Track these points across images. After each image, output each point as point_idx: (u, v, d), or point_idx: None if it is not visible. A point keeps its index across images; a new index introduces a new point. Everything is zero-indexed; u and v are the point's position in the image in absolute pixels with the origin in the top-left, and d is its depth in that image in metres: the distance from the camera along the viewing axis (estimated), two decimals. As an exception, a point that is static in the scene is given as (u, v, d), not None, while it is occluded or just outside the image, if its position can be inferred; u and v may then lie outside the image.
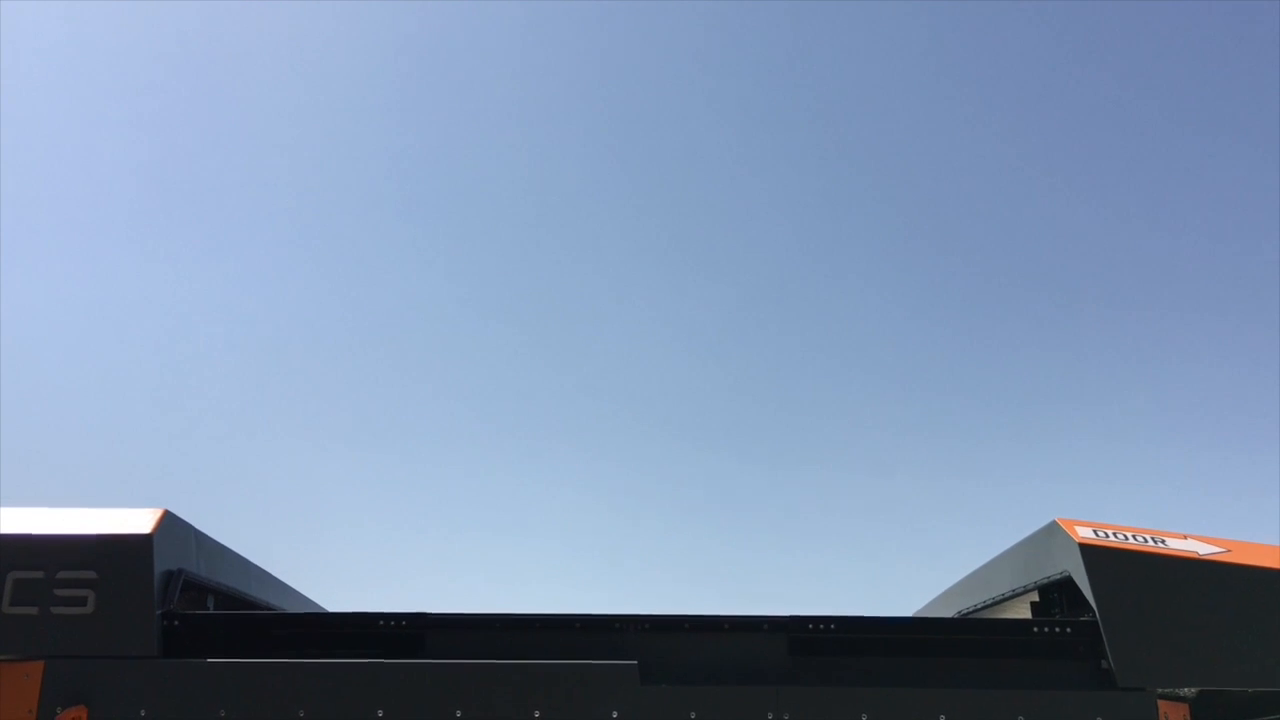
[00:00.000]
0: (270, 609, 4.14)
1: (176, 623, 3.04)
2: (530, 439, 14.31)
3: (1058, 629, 3.08)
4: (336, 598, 4.90)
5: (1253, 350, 12.94)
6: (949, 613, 4.33)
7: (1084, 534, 3.10)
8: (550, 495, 13.61)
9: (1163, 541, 3.11)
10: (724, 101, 13.92)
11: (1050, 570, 3.27)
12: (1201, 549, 3.11)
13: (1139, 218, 13.40)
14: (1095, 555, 3.03)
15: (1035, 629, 3.12)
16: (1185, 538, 3.17)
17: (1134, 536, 3.13)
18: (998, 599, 3.77)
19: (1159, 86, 12.94)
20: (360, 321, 14.23)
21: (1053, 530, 3.26)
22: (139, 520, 3.04)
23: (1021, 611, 3.66)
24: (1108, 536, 3.11)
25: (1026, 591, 3.52)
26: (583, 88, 13.77)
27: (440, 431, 14.43)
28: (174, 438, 12.95)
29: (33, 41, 11.49)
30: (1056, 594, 3.35)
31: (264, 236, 13.55)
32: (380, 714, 2.88)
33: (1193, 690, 2.95)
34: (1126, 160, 13.31)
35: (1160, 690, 2.93)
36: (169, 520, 3.12)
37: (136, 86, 12.33)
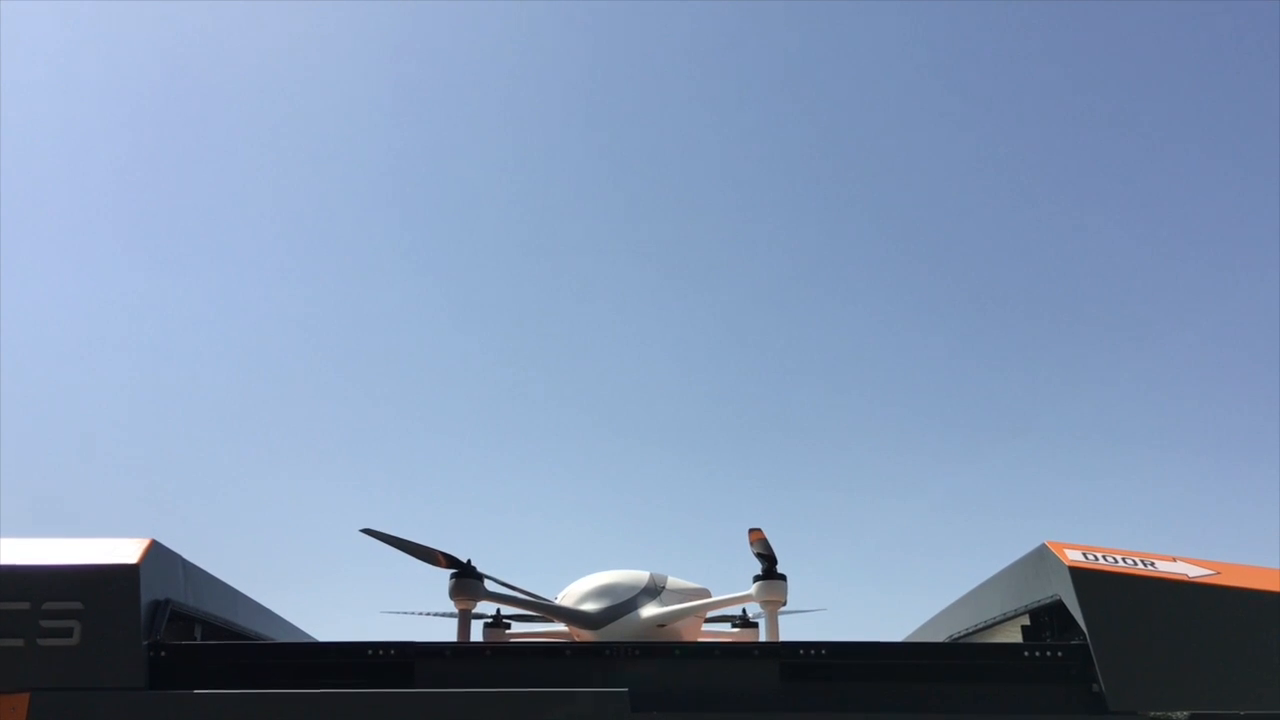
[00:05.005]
0: (259, 638, 4.11)
1: (164, 653, 3.02)
2: (520, 452, 14.28)
3: (1048, 653, 3.09)
4: (327, 626, 4.87)
5: (1249, 369, 13.00)
6: (940, 637, 4.33)
7: (1074, 557, 3.11)
8: (540, 511, 13.56)
9: (1152, 564, 3.12)
10: (716, 108, 14.02)
11: (1040, 594, 3.27)
12: (1191, 571, 3.12)
13: (1139, 227, 13.49)
14: (1085, 578, 3.04)
15: (1026, 653, 3.12)
16: (1175, 560, 3.18)
17: (1124, 559, 3.14)
18: (988, 623, 3.77)
19: (1159, 92, 13.06)
20: (349, 330, 14.21)
21: (1043, 553, 3.27)
22: (125, 550, 3.02)
23: (1012, 635, 3.66)
24: (1097, 559, 3.11)
25: (1017, 615, 3.52)
26: (572, 93, 13.86)
27: (427, 444, 14.38)
28: (159, 453, 12.88)
29: (29, 43, 11.54)
30: (1047, 617, 3.36)
31: (253, 243, 13.56)
32: None
33: (1184, 713, 2.95)
34: (1127, 170, 13.40)
35: (1151, 714, 2.93)
36: (156, 550, 3.11)
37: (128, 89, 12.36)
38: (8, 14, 10.77)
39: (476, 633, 4.11)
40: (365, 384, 14.14)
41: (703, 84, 13.86)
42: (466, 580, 3.87)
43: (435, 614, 4.27)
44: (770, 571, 3.82)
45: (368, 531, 3.67)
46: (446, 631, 3.98)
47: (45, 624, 2.87)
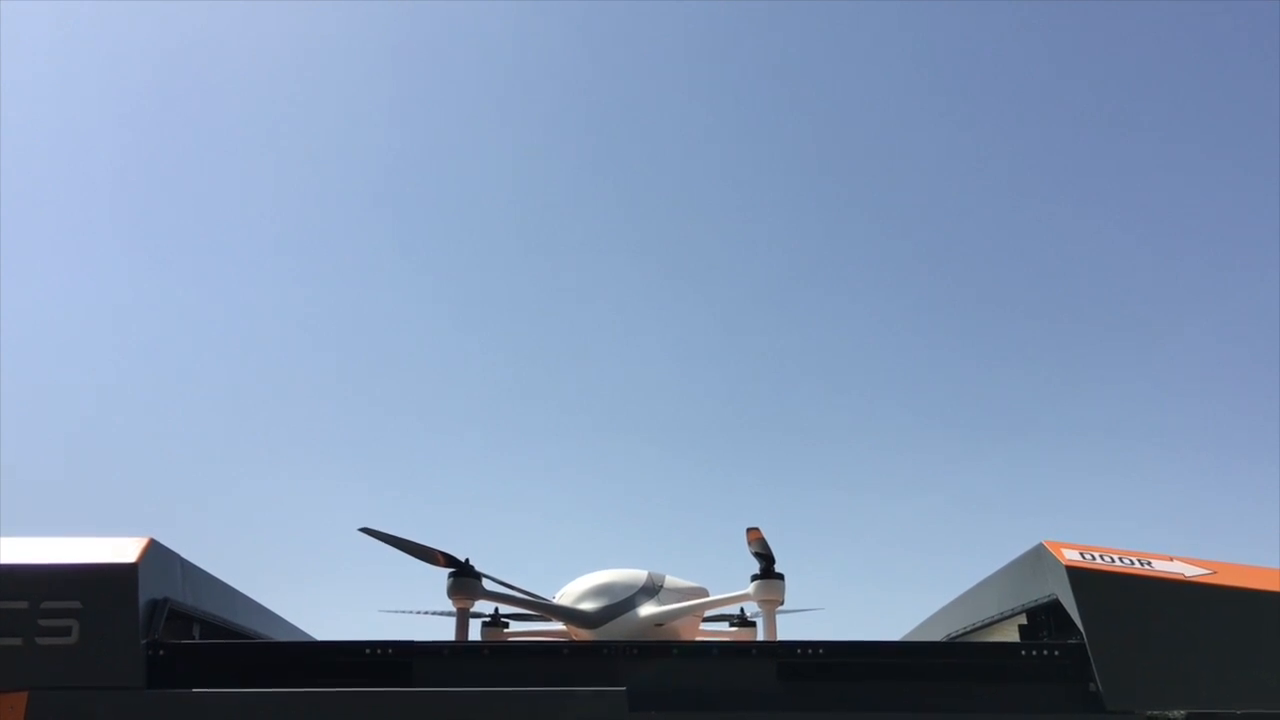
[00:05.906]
0: (257, 637, 4.12)
1: (162, 652, 3.02)
2: (520, 452, 14.28)
3: (1045, 652, 3.09)
4: (325, 625, 4.88)
5: (1249, 369, 13.00)
6: (937, 636, 4.33)
7: (1071, 556, 3.11)
8: (540, 510, 13.55)
9: (1149, 564, 3.12)
10: (715, 107, 14.02)
11: (1038, 593, 3.28)
12: (1188, 571, 3.12)
13: (1139, 227, 13.47)
14: (1082, 578, 3.04)
15: (1023, 652, 3.12)
16: (1172, 559, 3.18)
17: (1121, 559, 3.14)
18: (986, 622, 3.77)
19: (1159, 92, 13.04)
20: (348, 330, 14.20)
21: (1040, 553, 3.27)
22: (124, 549, 3.03)
23: (1009, 635, 3.66)
24: (1095, 559, 3.11)
25: (1014, 614, 3.52)
26: (571, 93, 13.86)
27: (427, 444, 14.37)
28: (158, 453, 12.87)
29: (29, 43, 11.54)
30: (1044, 617, 3.36)
31: (252, 243, 13.55)
32: None
33: (1181, 712, 2.95)
34: (1127, 170, 13.39)
35: (1148, 713, 2.94)
36: (154, 549, 3.11)
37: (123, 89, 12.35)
38: (7, 14, 10.78)
39: (474, 632, 4.11)
40: (365, 384, 14.15)
41: (701, 83, 13.88)
42: (464, 579, 3.88)
43: (433, 613, 4.28)
44: (768, 571, 3.82)
45: (366, 531, 3.68)
46: (444, 630, 3.99)
47: (44, 623, 2.87)
